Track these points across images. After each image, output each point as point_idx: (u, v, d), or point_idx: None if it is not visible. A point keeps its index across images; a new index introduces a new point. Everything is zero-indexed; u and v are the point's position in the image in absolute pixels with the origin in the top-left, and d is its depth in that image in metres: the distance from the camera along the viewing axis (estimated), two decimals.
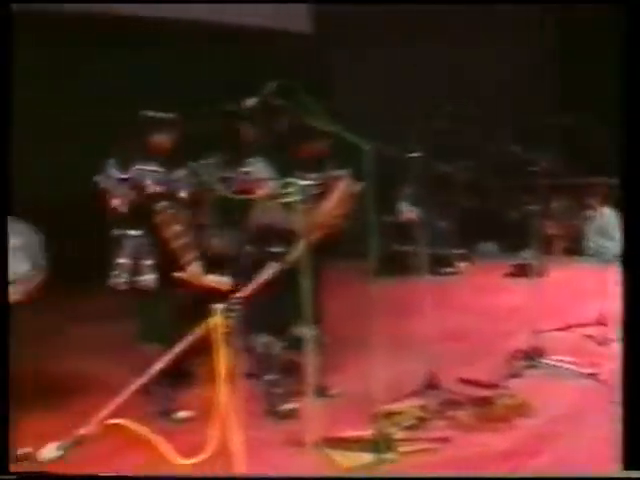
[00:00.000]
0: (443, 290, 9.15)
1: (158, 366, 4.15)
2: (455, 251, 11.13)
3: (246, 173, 5.98)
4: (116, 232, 5.85)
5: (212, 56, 10.73)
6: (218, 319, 3.81)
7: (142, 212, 5.73)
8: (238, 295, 3.99)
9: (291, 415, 5.71)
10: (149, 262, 5.76)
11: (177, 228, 5.71)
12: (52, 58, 9.84)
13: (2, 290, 3.01)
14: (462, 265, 11.15)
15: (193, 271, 5.70)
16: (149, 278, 5.74)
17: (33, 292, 5.29)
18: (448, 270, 10.81)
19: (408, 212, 10.70)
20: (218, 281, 5.70)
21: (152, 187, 5.75)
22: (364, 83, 11.04)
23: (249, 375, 5.95)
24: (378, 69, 11.71)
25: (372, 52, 11.84)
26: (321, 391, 5.78)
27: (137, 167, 5.79)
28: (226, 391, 3.87)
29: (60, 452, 5.14)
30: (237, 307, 3.90)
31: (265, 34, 11.69)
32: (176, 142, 5.97)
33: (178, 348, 4.06)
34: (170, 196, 5.82)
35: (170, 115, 5.95)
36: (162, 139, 5.92)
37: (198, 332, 4.00)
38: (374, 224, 5.19)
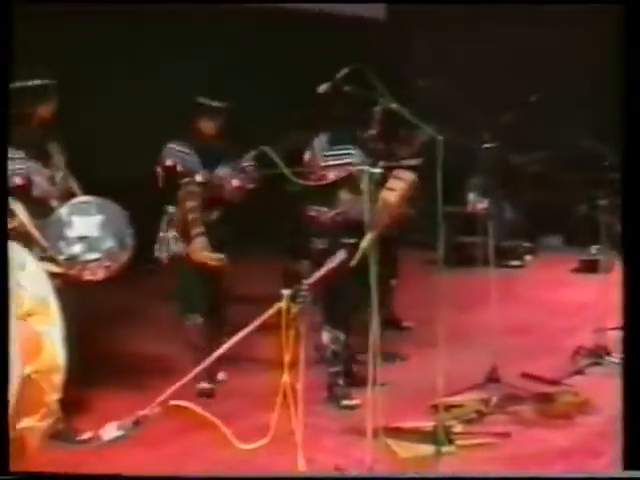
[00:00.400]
0: (508, 283, 9.12)
1: (223, 349, 4.17)
2: (521, 244, 11.02)
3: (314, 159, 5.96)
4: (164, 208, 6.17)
5: (286, 43, 10.72)
6: (285, 305, 3.82)
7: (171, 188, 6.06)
8: (306, 281, 3.98)
9: (353, 409, 5.73)
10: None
11: (191, 204, 5.98)
12: (121, 43, 9.89)
13: (2, 290, 3.03)
14: (528, 258, 11.03)
15: (195, 246, 5.97)
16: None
17: (116, 271, 5.31)
18: (514, 263, 10.71)
19: (477, 203, 10.59)
20: (212, 257, 5.98)
21: (177, 166, 6.06)
22: (436, 70, 10.95)
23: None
24: (450, 56, 11.63)
25: (443, 39, 11.79)
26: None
27: (170, 146, 6.10)
28: (289, 377, 3.87)
29: (121, 432, 5.19)
30: (304, 293, 3.90)
31: (339, 20, 11.66)
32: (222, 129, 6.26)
33: (244, 332, 4.06)
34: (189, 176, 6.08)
35: (219, 104, 6.19)
36: (207, 125, 6.21)
37: (264, 316, 4.00)
38: (442, 215, 5.16)
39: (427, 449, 5.07)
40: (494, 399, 5.80)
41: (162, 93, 9.89)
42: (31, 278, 3.36)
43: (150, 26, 9.85)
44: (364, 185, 4.53)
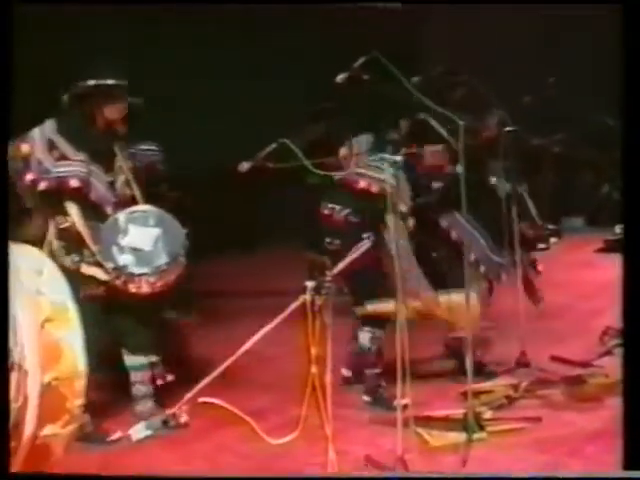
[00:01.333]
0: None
1: (248, 344, 4.15)
2: (546, 226, 10.92)
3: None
4: None
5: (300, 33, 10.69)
6: (309, 297, 3.79)
7: None
8: (329, 273, 3.95)
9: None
10: None
11: None
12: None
13: (2, 289, 3.02)
14: (553, 241, 10.94)
15: None
16: None
17: (165, 285, 5.19)
18: (539, 246, 10.62)
19: (500, 187, 10.52)
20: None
21: None
22: (452, 56, 10.89)
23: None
24: (465, 42, 11.56)
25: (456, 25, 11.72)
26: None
27: None
28: (317, 369, 3.85)
29: (150, 431, 5.19)
30: (328, 285, 3.86)
31: (354, 9, 11.59)
32: None
33: (270, 325, 4.05)
34: None
35: None
36: None
37: (289, 310, 3.99)
38: (465, 200, 5.12)
39: (458, 436, 5.04)
40: (524, 384, 5.76)
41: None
42: (49, 283, 3.34)
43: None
44: (387, 176, 4.46)
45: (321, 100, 8.13)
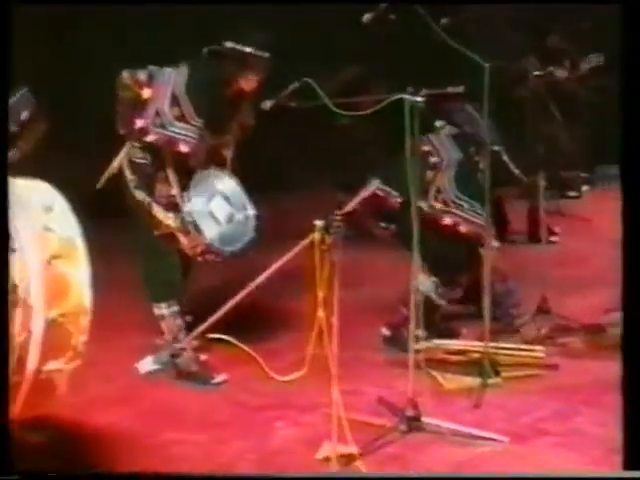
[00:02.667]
0: (564, 214, 9.03)
1: (259, 280, 4.15)
2: (579, 174, 10.81)
3: None
4: None
5: None
6: (318, 236, 3.78)
7: None
8: (339, 212, 3.93)
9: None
10: None
11: None
12: None
13: (2, 288, 3.04)
14: (585, 189, 10.84)
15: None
16: None
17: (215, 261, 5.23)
18: (571, 194, 10.53)
19: None
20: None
21: None
22: None
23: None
24: None
25: None
26: None
27: None
28: (324, 308, 3.86)
29: (157, 365, 5.24)
30: (337, 224, 3.84)
31: None
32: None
33: (280, 262, 4.06)
34: None
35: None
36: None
37: (299, 247, 3.99)
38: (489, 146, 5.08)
39: (473, 381, 5.06)
40: (543, 330, 5.75)
41: None
42: (59, 220, 3.36)
43: None
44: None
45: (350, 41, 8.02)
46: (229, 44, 5.09)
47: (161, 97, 5.08)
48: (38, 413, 3.52)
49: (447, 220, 5.34)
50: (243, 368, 5.21)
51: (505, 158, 5.18)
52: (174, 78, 5.13)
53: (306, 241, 3.95)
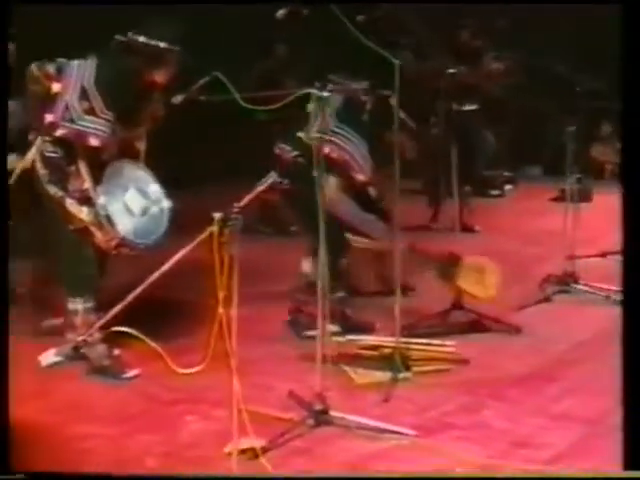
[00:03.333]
0: (486, 212, 9.17)
1: (157, 274, 4.15)
2: (502, 173, 10.97)
3: None
4: None
5: None
6: (216, 228, 3.78)
7: None
8: (237, 204, 3.93)
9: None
10: None
11: None
12: None
13: (2, 285, 2.98)
14: (508, 188, 11.00)
15: None
16: None
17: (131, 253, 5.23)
18: (494, 192, 10.69)
19: None
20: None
21: None
22: None
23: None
24: None
25: None
26: None
27: None
28: (224, 302, 3.86)
29: (59, 358, 5.21)
30: (236, 216, 3.85)
31: None
32: None
33: (178, 255, 4.05)
34: None
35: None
36: None
37: (196, 241, 3.99)
38: (400, 144, 5.10)
39: (384, 375, 5.09)
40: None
41: None
42: None
43: None
44: (311, 108, 4.42)
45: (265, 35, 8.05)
46: (140, 38, 5.05)
47: (70, 91, 5.03)
48: None
49: (326, 149, 5.27)
50: (157, 362, 5.18)
51: (393, 103, 5.13)
52: (83, 71, 5.08)
53: (204, 234, 3.94)
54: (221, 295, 3.82)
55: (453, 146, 6.23)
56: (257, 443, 4.13)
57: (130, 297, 4.09)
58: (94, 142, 5.02)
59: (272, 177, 4.27)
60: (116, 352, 5.21)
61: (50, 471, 3.85)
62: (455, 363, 5.34)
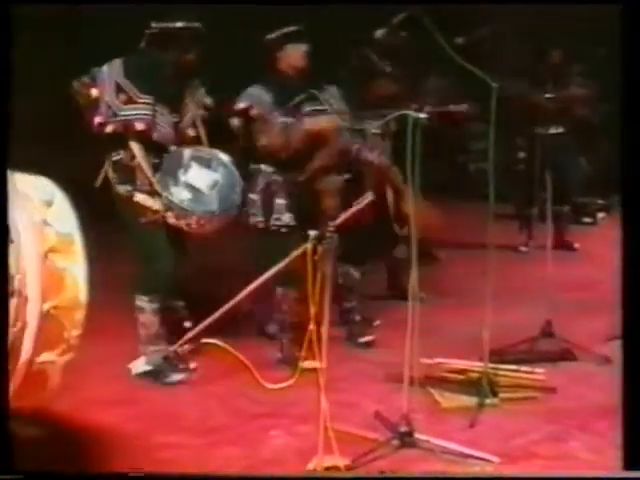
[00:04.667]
0: (577, 239, 9.04)
1: (250, 288, 4.18)
2: (595, 200, 10.79)
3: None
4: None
5: None
6: (310, 246, 3.80)
7: None
8: (332, 223, 3.95)
9: (369, 347, 5.93)
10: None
11: None
12: None
13: (2, 287, 3.07)
14: (600, 216, 10.81)
15: None
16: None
17: (213, 231, 5.37)
18: (586, 220, 10.51)
19: None
20: None
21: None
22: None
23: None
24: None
25: None
26: None
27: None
28: (316, 318, 3.87)
29: (149, 367, 5.27)
30: (330, 235, 3.86)
31: None
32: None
33: (272, 271, 4.08)
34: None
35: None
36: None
37: (292, 257, 4.00)
38: (493, 166, 5.06)
39: (470, 400, 5.05)
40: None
41: None
42: (57, 215, 3.39)
43: None
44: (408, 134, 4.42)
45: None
46: (159, 24, 5.29)
47: (107, 90, 5.26)
48: (30, 404, 3.55)
49: None
50: (244, 375, 5.23)
51: None
52: (112, 70, 5.30)
53: (299, 251, 3.96)
54: (312, 311, 3.83)
55: (547, 170, 6.16)
56: (341, 461, 4.14)
57: (222, 310, 4.13)
58: (140, 126, 5.22)
59: (369, 197, 4.26)
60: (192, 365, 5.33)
61: (50, 471, 3.87)
62: (543, 391, 5.27)
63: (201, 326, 4.32)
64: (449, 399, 5.11)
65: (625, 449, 3.50)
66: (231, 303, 4.09)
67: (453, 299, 7.01)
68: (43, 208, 3.37)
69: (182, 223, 5.25)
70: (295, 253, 3.95)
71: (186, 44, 5.33)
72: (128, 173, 5.30)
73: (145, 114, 5.24)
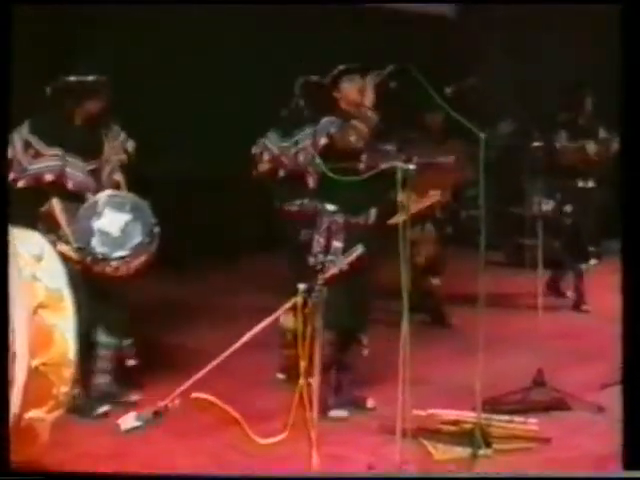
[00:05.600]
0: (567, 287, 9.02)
1: (242, 341, 4.15)
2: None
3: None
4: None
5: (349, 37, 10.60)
6: (300, 299, 3.78)
7: None
8: (322, 276, 3.94)
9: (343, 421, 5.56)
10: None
11: None
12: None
13: (2, 288, 3.06)
14: (592, 262, 10.80)
15: None
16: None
17: (131, 270, 5.45)
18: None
19: (542, 205, 10.39)
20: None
21: None
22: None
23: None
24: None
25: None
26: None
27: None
28: (306, 372, 3.85)
29: (139, 423, 5.22)
30: (320, 288, 3.85)
31: (406, 16, 11.60)
32: None
33: (264, 323, 4.06)
34: None
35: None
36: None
37: (281, 310, 3.98)
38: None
39: (463, 451, 5.02)
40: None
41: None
42: (47, 270, 3.39)
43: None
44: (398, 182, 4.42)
45: None
46: (69, 78, 5.49)
47: (17, 149, 5.47)
48: (19, 459, 3.50)
49: None
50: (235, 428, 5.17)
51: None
52: (20, 130, 5.49)
53: (289, 304, 3.95)
54: (303, 365, 3.81)
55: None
56: None
57: (214, 363, 4.10)
58: (49, 177, 5.44)
59: (358, 250, 4.26)
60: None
61: (50, 471, 3.83)
62: (537, 442, 5.23)
63: (193, 379, 4.29)
64: (442, 451, 5.07)
65: (625, 449, 3.47)
66: (222, 356, 4.05)
67: (445, 348, 6.99)
68: (33, 263, 3.36)
69: (101, 269, 5.38)
70: (285, 306, 3.94)
71: (91, 96, 5.54)
72: (52, 224, 5.47)
73: (54, 165, 5.44)
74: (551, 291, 8.62)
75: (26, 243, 3.43)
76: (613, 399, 5.84)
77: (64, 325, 3.37)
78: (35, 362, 3.25)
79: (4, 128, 3.40)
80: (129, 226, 5.43)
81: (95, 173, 5.62)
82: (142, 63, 9.18)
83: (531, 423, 5.39)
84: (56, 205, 5.46)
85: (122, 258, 5.38)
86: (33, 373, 3.24)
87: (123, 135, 5.80)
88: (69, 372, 3.39)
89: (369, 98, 5.52)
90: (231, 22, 9.78)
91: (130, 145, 5.80)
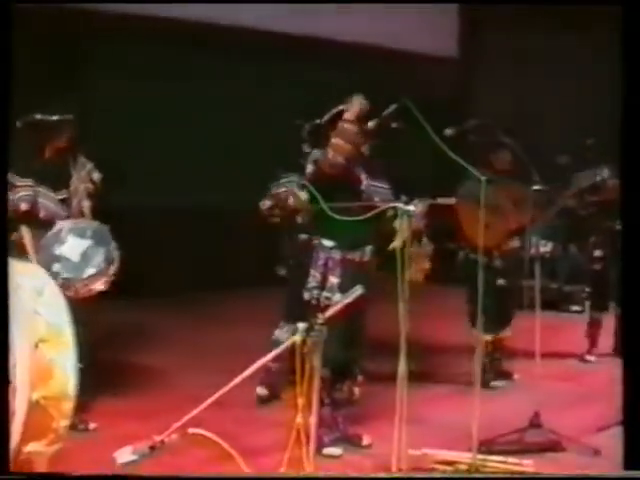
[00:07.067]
0: (566, 328, 9.03)
1: (240, 377, 4.17)
2: (583, 288, 10.81)
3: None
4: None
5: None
6: (299, 338, 3.80)
7: None
8: (322, 315, 3.96)
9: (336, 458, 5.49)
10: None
11: None
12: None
13: (2, 289, 3.09)
14: (588, 303, 10.83)
15: None
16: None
17: (92, 292, 5.68)
18: (574, 308, 10.54)
19: (539, 246, 10.43)
20: None
21: None
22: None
23: None
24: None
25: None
26: None
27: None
28: (304, 411, 3.86)
29: (134, 457, 5.22)
30: (319, 328, 3.87)
31: (410, 56, 11.71)
32: None
33: (260, 362, 4.08)
34: None
35: None
36: None
37: (280, 349, 4.01)
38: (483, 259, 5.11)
39: None
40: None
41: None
42: (48, 304, 3.42)
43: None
44: (398, 223, 4.47)
45: None
46: (37, 116, 5.77)
47: None
48: None
49: None
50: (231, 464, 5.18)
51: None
52: None
53: (288, 343, 3.97)
54: (300, 403, 3.83)
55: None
56: None
57: (212, 398, 4.12)
58: (24, 207, 5.71)
59: (358, 290, 4.28)
60: None
61: (50, 472, 3.82)
62: None
63: (191, 414, 4.31)
64: None
65: (625, 449, 3.48)
66: (221, 391, 4.08)
67: (442, 388, 7.00)
68: (34, 297, 3.39)
69: (68, 293, 5.37)
70: (283, 345, 3.96)
71: (57, 134, 5.88)
72: (21, 252, 5.64)
73: (27, 195, 5.73)
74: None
75: (28, 276, 3.46)
76: (609, 441, 5.92)
77: (64, 359, 3.40)
78: (35, 395, 3.26)
79: (4, 130, 3.43)
80: (89, 251, 5.68)
81: (65, 202, 5.89)
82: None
83: (526, 464, 5.41)
84: (25, 233, 5.69)
85: (83, 279, 5.61)
86: (33, 407, 3.26)
87: (90, 166, 6.06)
88: (68, 406, 3.40)
89: (351, 112, 5.54)
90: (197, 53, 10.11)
91: (96, 175, 6.06)
